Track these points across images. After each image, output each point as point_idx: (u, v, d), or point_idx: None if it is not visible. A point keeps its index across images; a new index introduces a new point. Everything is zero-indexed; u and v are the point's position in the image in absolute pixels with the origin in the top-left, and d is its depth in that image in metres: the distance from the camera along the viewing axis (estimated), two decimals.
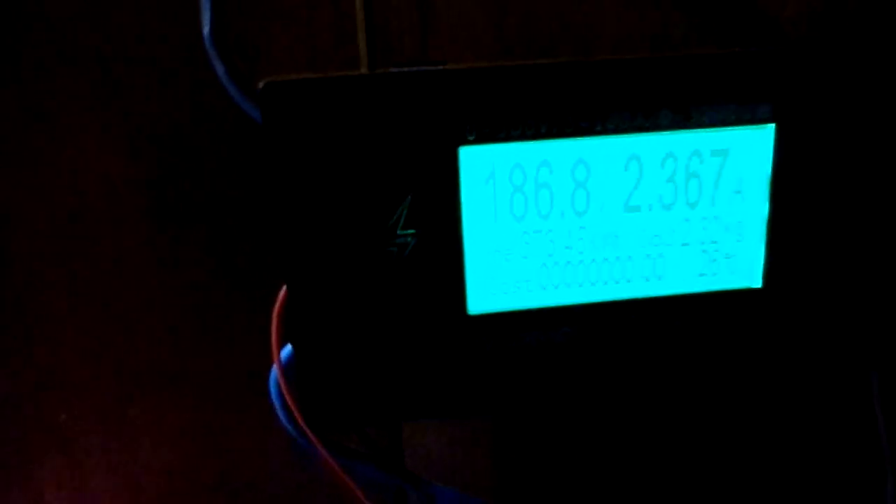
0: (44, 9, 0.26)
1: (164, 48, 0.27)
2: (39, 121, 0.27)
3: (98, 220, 0.28)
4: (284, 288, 0.23)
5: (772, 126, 0.22)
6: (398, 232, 0.22)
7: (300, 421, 0.24)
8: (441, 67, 0.21)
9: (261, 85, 0.20)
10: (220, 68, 0.23)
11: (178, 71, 0.27)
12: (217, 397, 0.31)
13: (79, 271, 0.29)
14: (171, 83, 0.27)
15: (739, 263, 0.23)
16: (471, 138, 0.21)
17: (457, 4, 0.27)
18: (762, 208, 0.23)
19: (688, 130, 0.22)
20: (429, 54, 0.27)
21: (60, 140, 0.27)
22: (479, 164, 0.21)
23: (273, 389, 0.25)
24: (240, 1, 0.27)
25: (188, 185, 0.28)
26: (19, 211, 0.28)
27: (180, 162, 0.28)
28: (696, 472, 0.34)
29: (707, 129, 0.22)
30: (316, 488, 0.32)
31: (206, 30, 0.23)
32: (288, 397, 0.24)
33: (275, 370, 0.24)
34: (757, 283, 0.24)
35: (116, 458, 0.31)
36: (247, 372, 0.30)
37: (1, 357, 0.29)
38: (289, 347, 0.24)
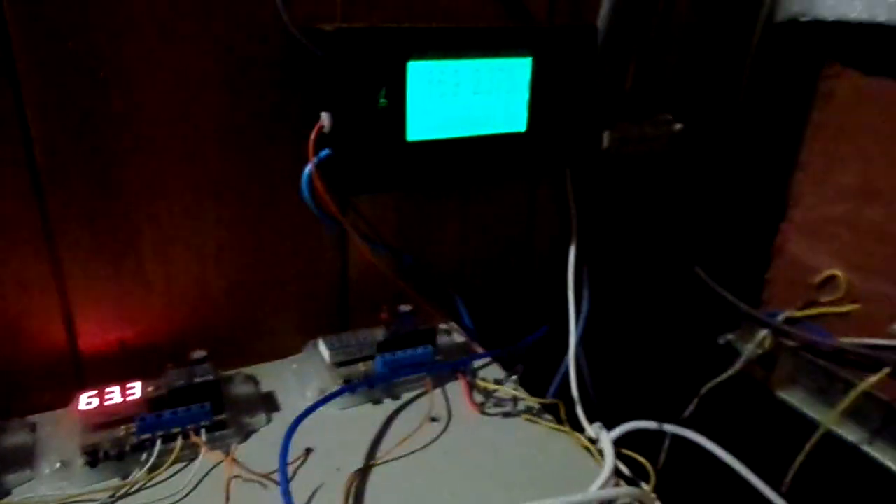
0: None
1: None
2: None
3: (196, 85, 0.49)
4: (316, 127, 0.49)
5: (529, 58, 0.53)
6: (379, 99, 0.48)
7: (325, 199, 0.51)
8: (403, 25, 0.48)
9: (329, 29, 0.45)
10: (288, 21, 0.47)
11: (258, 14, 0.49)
12: (263, 199, 0.54)
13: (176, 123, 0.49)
14: (253, 14, 0.48)
15: (516, 117, 0.54)
16: (413, 57, 0.48)
17: None
18: (526, 95, 0.54)
19: (499, 59, 0.51)
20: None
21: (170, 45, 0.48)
22: (416, 70, 0.49)
23: (305, 182, 0.51)
24: None
25: (258, 74, 0.50)
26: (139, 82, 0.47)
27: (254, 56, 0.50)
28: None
29: (505, 58, 0.52)
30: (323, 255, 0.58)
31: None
32: (317, 182, 0.50)
33: (309, 167, 0.50)
34: (522, 128, 0.55)
35: (195, 235, 0.53)
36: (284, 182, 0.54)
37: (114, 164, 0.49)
38: (319, 155, 0.50)
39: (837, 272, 0.68)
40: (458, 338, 0.64)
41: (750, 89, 0.72)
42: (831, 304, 0.69)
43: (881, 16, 0.53)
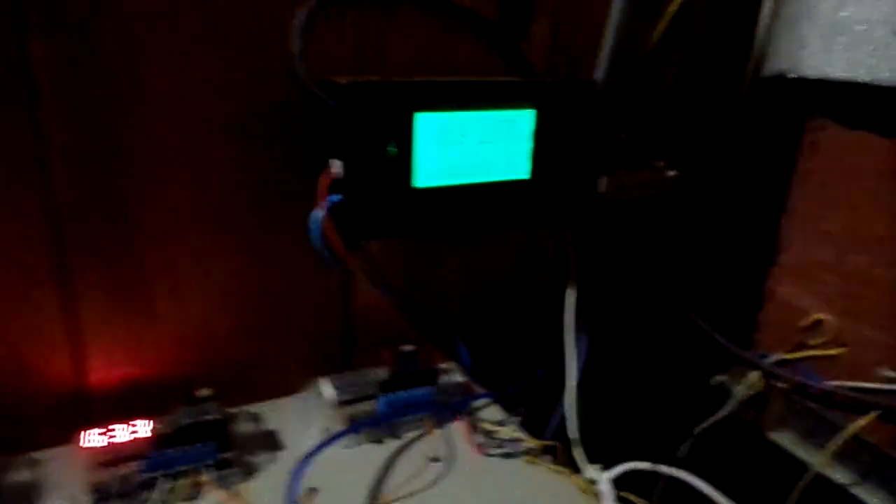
0: None
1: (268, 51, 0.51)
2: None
3: (211, 135, 0.51)
4: (326, 175, 0.50)
5: (533, 110, 0.55)
6: (389, 148, 0.50)
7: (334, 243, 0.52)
8: (412, 79, 0.50)
9: (343, 82, 0.47)
10: (303, 74, 0.49)
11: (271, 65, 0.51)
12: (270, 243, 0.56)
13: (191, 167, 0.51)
14: (267, 65, 0.51)
15: (520, 166, 0.57)
16: (420, 109, 0.50)
17: None
18: (530, 144, 0.56)
19: (504, 111, 0.54)
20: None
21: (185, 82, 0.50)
22: (423, 121, 0.51)
23: (314, 226, 0.52)
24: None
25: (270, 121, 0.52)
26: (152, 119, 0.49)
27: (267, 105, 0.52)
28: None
29: (510, 110, 0.54)
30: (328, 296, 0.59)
31: (296, 49, 0.49)
32: (327, 227, 0.52)
33: (320, 212, 0.51)
34: (526, 175, 0.57)
35: (205, 276, 0.54)
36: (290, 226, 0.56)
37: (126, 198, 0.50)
38: (330, 199, 0.51)
39: (825, 316, 0.70)
40: (459, 377, 0.65)
41: (739, 138, 0.75)
42: (820, 346, 0.71)
43: (862, 76, 0.56)
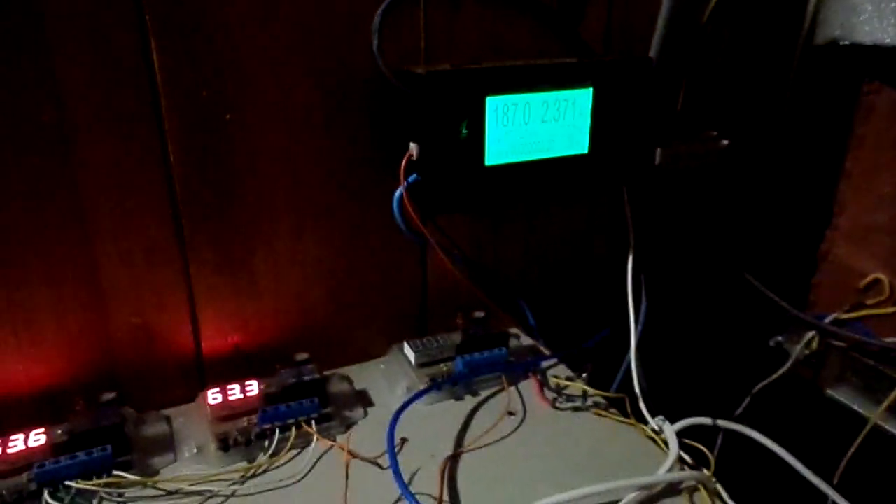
0: None
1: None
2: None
3: (304, 127, 0.57)
4: (406, 156, 0.56)
5: (590, 88, 0.59)
6: (462, 130, 0.55)
7: (413, 218, 0.57)
8: (482, 66, 0.54)
9: (420, 72, 0.52)
10: (382, 66, 0.54)
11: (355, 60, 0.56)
12: (357, 220, 0.62)
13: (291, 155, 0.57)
14: (352, 60, 0.56)
15: (579, 141, 0.61)
16: (490, 93, 0.55)
17: None
18: (588, 121, 0.60)
19: (564, 90, 0.58)
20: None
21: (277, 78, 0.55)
22: (493, 103, 0.55)
23: (396, 203, 0.58)
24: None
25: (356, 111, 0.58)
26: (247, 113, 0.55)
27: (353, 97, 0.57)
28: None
29: (569, 90, 0.58)
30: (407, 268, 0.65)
31: (375, 45, 0.54)
32: (406, 204, 0.57)
33: (400, 190, 0.57)
34: (584, 150, 0.61)
35: (301, 252, 0.60)
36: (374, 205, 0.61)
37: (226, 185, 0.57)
38: (408, 179, 0.57)
39: (881, 276, 0.72)
40: (527, 341, 0.70)
41: (793, 105, 0.77)
42: (876, 306, 0.73)
43: None
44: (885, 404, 0.68)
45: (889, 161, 0.71)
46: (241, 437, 0.53)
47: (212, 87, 0.52)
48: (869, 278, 0.73)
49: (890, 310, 0.71)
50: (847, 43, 0.65)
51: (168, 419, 0.56)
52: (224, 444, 0.52)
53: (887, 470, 0.71)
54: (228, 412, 0.55)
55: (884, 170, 0.72)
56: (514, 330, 0.71)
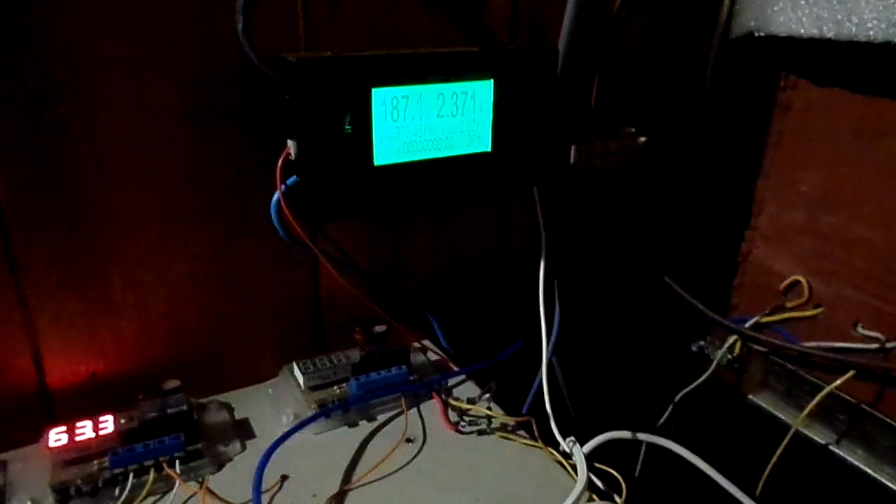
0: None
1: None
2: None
3: (162, 118, 0.49)
4: (283, 154, 0.49)
5: (491, 80, 0.54)
6: (345, 126, 0.49)
7: (294, 226, 0.51)
8: (365, 54, 0.48)
9: (293, 59, 0.45)
10: (249, 52, 0.47)
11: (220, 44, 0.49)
12: (233, 227, 0.54)
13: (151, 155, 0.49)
14: (215, 41, 0.49)
15: (481, 138, 0.55)
16: (376, 84, 0.49)
17: None
18: (489, 116, 0.55)
19: (461, 82, 0.52)
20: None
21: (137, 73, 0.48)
22: (379, 95, 0.49)
23: (274, 209, 0.51)
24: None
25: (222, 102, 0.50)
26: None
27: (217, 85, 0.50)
28: None
29: (467, 81, 0.53)
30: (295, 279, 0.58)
31: (240, 27, 0.47)
32: (285, 209, 0.51)
33: (277, 194, 0.50)
34: (487, 148, 0.56)
35: (166, 264, 0.53)
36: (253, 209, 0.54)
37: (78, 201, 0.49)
38: (286, 182, 0.50)
39: (800, 277, 0.70)
40: (433, 356, 0.64)
41: (711, 100, 0.74)
42: (796, 308, 0.71)
43: (828, 32, 0.55)
44: (805, 411, 0.66)
45: (807, 158, 0.69)
46: (86, 486, 0.45)
47: (38, 73, 0.44)
48: (788, 280, 0.71)
49: (810, 312, 0.69)
50: (763, 35, 0.62)
51: (3, 465, 0.48)
52: (64, 496, 0.44)
53: (809, 478, 0.69)
54: (75, 455, 0.47)
55: (802, 168, 0.69)
56: (422, 343, 0.65)
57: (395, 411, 0.56)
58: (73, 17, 0.44)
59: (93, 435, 0.48)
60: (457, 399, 0.57)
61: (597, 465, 0.52)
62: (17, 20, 0.42)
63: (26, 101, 0.44)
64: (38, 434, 0.49)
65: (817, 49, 0.61)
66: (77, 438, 0.47)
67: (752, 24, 0.63)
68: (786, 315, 0.71)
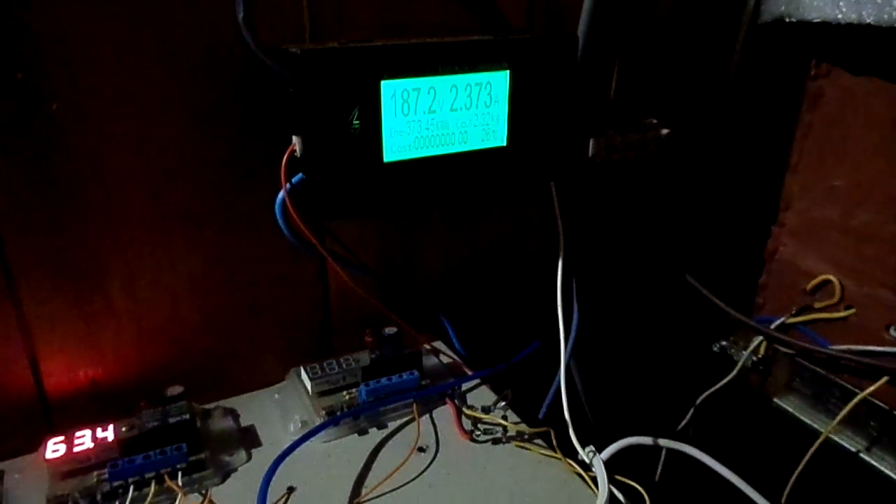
0: None
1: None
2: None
3: (159, 113, 0.47)
4: (288, 151, 0.46)
5: (507, 71, 0.51)
6: (352, 121, 0.46)
7: (300, 225, 0.48)
8: (374, 44, 0.45)
9: (297, 51, 0.42)
10: (251, 43, 0.45)
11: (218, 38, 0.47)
12: (237, 227, 0.52)
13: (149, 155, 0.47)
14: (215, 32, 0.46)
15: (496, 132, 0.52)
16: (386, 76, 0.46)
17: None
18: (505, 108, 0.52)
19: (475, 73, 0.49)
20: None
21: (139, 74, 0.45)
22: (389, 88, 0.47)
23: (279, 208, 0.49)
24: None
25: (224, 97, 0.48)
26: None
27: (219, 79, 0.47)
28: None
29: (482, 72, 0.50)
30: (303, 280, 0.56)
31: (240, 15, 0.44)
32: (290, 208, 0.48)
33: (282, 193, 0.48)
34: (503, 142, 0.53)
35: (167, 266, 0.50)
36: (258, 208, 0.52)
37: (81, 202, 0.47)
38: (292, 180, 0.47)
39: (831, 277, 0.66)
40: (446, 358, 0.62)
41: (737, 90, 0.71)
42: (826, 309, 0.67)
43: (868, 17, 0.52)
44: (838, 418, 0.63)
45: (839, 151, 0.65)
46: (84, 500, 0.43)
47: (29, 66, 0.41)
48: (818, 279, 0.68)
49: (840, 314, 0.66)
50: (794, 20, 0.59)
51: (0, 475, 0.46)
52: None
53: (837, 486, 0.66)
54: (72, 467, 0.45)
55: (832, 162, 0.66)
56: (435, 344, 0.63)
57: (406, 418, 0.54)
58: (66, 8, 0.41)
59: (92, 445, 0.46)
60: (471, 407, 0.54)
61: (617, 477, 0.49)
62: (6, 9, 0.40)
63: (17, 96, 0.42)
64: (38, 442, 0.47)
65: (853, 35, 0.57)
66: (75, 449, 0.45)
67: (783, 9, 0.60)
68: (814, 316, 0.68)
